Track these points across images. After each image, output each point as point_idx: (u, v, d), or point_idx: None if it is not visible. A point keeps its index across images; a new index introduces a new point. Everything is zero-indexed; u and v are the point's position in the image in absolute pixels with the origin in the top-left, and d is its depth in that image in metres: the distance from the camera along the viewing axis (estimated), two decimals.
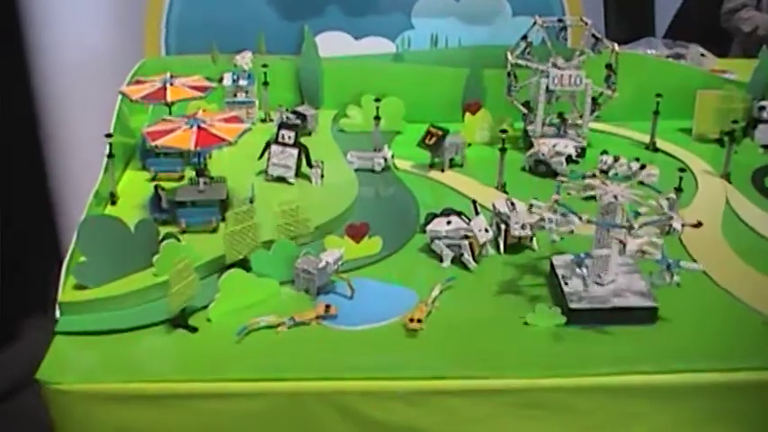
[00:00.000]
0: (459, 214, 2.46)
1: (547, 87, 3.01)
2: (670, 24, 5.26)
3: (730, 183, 2.95)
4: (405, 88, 3.29)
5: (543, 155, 2.96)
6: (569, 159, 2.96)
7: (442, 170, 2.97)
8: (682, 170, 2.60)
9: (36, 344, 2.13)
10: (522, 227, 2.45)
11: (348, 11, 3.46)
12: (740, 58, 4.53)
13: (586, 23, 3.00)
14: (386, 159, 2.96)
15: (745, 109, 3.28)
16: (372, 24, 3.47)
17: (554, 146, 2.97)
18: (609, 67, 3.09)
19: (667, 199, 2.19)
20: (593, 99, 3.12)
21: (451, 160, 3.01)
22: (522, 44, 3.05)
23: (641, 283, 2.23)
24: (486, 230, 2.41)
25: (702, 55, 4.11)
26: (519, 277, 2.37)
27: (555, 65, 3.04)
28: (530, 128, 3.18)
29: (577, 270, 2.18)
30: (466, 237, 2.39)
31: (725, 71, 3.89)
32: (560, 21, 3.05)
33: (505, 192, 2.83)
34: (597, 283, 2.23)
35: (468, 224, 2.41)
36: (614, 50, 3.04)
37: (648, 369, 2.01)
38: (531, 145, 3.05)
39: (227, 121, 2.48)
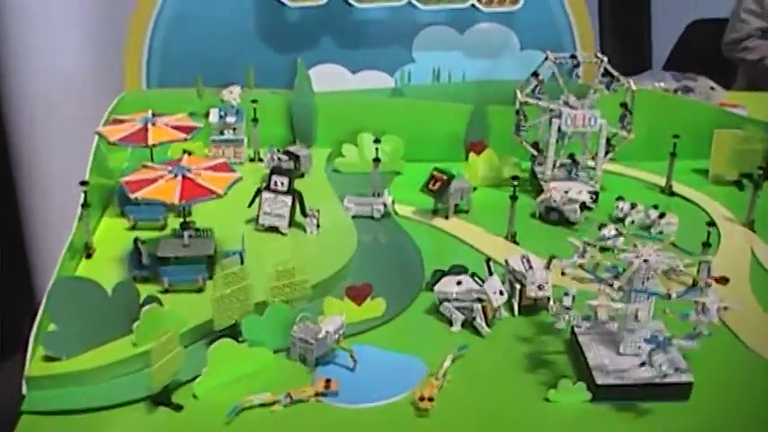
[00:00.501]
0: (472, 274, 2.24)
1: (559, 128, 2.80)
2: (670, 55, 5.09)
3: (754, 231, 2.75)
4: (404, 125, 3.07)
5: (555, 201, 2.75)
6: (583, 207, 2.76)
7: (446, 217, 2.76)
8: (710, 224, 2.39)
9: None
10: (539, 287, 2.24)
11: (344, 43, 3.23)
12: (745, 89, 4.37)
13: (601, 60, 2.80)
14: (386, 205, 2.74)
15: (765, 150, 3.08)
16: (370, 57, 3.25)
17: (566, 192, 2.76)
18: (624, 105, 2.89)
19: (702, 263, 2.00)
20: (607, 140, 2.91)
21: (456, 206, 2.79)
22: (533, 81, 2.84)
23: (673, 352, 2.03)
24: (501, 293, 2.20)
25: (712, 88, 3.94)
26: (536, 345, 2.15)
27: (567, 103, 2.84)
28: (538, 170, 2.97)
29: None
30: (479, 300, 2.17)
31: (735, 105, 3.72)
32: (573, 57, 2.84)
33: (515, 242, 2.63)
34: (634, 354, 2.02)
35: (481, 285, 2.19)
36: (630, 89, 2.84)
37: None
38: (541, 189, 2.84)
39: (214, 169, 2.26)
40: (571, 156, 2.98)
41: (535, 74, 2.85)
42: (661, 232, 2.72)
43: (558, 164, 2.93)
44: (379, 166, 2.79)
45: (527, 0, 3.06)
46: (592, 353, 2.03)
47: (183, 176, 2.17)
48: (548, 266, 2.27)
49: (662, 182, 3.07)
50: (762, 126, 3.17)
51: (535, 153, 2.96)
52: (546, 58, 2.83)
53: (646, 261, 1.94)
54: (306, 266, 2.19)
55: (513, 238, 2.64)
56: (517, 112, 2.89)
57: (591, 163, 2.98)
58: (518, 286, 2.26)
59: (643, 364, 1.96)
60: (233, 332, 2.05)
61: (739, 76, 4.84)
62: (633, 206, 2.78)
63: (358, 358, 2.02)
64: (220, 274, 2.00)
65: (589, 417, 1.92)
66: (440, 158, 3.08)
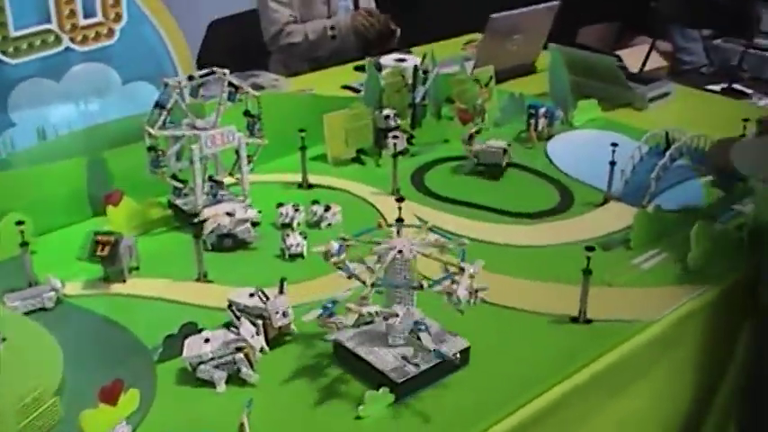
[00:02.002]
0: (225, 324, 2.07)
1: (201, 152, 2.67)
2: (198, 57, 5.08)
3: (403, 198, 2.92)
4: (15, 199, 2.64)
5: (226, 227, 2.64)
6: (253, 224, 2.69)
7: (124, 280, 2.49)
8: (399, 199, 2.48)
9: None
10: (284, 314, 2.15)
11: None
12: (286, 75, 4.55)
13: (224, 73, 2.71)
14: (56, 290, 2.39)
15: (373, 121, 3.28)
16: None
17: (230, 214, 2.66)
18: (248, 114, 2.84)
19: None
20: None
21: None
22: (162, 113, 2.65)
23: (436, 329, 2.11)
24: (258, 333, 2.08)
25: (276, 80, 4.08)
26: (308, 372, 2.08)
27: (194, 126, 2.72)
28: (179, 201, 2.82)
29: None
30: (238, 349, 2.02)
31: (304, 89, 3.90)
32: (191, 78, 2.71)
33: (208, 280, 2.48)
34: (390, 345, 2.05)
35: (237, 333, 2.04)
36: (254, 96, 2.80)
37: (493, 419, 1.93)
38: (197, 220, 2.69)
39: None
40: (210, 177, 2.87)
41: (160, 105, 2.66)
42: (330, 224, 2.77)
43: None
44: (28, 249, 2.42)
45: (120, 33, 2.82)
46: (372, 356, 2.01)
47: None
48: (281, 291, 2.19)
49: (296, 178, 3.10)
50: (362, 102, 3.35)
51: (180, 185, 2.79)
52: (166, 85, 2.66)
53: (400, 252, 1.98)
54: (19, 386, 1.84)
55: (205, 278, 2.49)
56: (151, 148, 2.68)
57: (228, 179, 2.91)
58: (260, 322, 2.14)
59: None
60: None
61: (272, 63, 5.05)
62: (296, 209, 2.78)
63: None
64: None
65: (399, 417, 1.93)
66: (67, 223, 2.80)
